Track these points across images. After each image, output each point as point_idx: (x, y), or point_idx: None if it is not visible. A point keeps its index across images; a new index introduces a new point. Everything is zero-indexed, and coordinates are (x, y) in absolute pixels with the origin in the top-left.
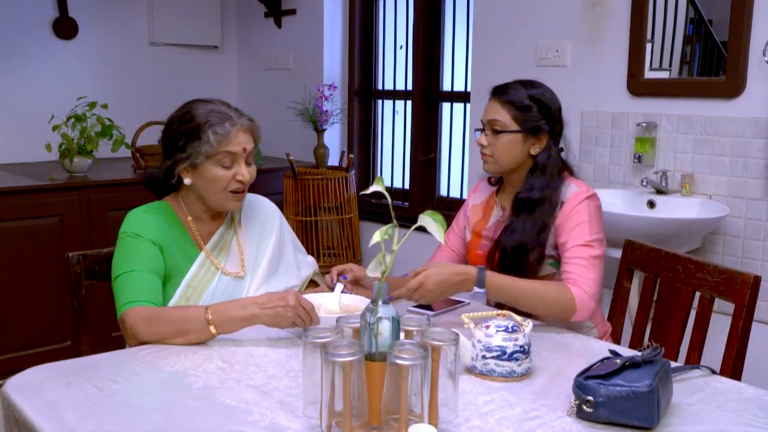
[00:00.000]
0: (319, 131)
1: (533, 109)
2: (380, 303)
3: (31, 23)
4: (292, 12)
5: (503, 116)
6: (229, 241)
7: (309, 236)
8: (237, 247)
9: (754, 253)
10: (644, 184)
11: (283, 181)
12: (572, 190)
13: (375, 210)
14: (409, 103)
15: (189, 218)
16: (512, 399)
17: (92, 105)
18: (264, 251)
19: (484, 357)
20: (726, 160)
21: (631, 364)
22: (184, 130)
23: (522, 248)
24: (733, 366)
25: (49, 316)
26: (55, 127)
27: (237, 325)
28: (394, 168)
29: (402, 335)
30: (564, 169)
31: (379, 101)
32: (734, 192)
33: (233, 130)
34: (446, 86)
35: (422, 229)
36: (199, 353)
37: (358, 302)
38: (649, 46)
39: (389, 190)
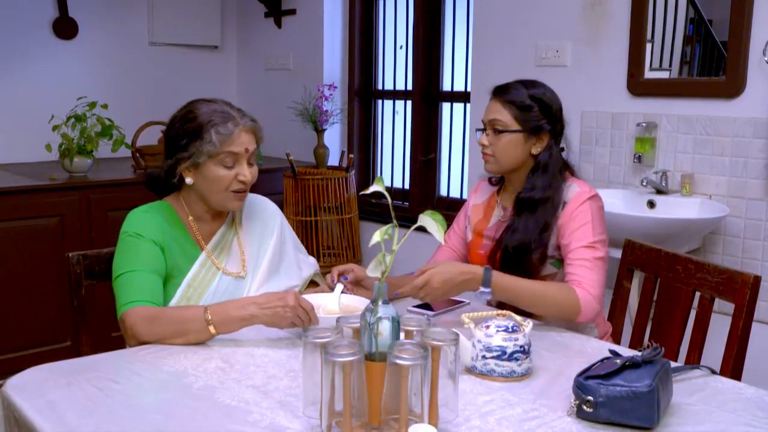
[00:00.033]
0: (319, 131)
1: (534, 109)
2: (380, 303)
3: (31, 23)
4: (292, 12)
5: (504, 116)
6: (230, 241)
7: (309, 236)
8: (238, 247)
9: (754, 253)
10: (644, 184)
11: (283, 181)
12: (574, 191)
13: (375, 210)
14: (409, 103)
15: (190, 218)
16: (512, 399)
17: (92, 105)
18: (265, 251)
19: (484, 357)
20: (726, 160)
21: (631, 364)
22: (187, 130)
23: (524, 248)
24: (733, 366)
25: (49, 316)
26: (55, 127)
27: (236, 325)
28: (394, 168)
29: (402, 335)
30: (565, 169)
31: (379, 101)
32: (734, 192)
33: (236, 131)
34: (446, 86)
35: (422, 229)
36: (199, 353)
37: (357, 303)
38: (649, 46)
39: (389, 190)
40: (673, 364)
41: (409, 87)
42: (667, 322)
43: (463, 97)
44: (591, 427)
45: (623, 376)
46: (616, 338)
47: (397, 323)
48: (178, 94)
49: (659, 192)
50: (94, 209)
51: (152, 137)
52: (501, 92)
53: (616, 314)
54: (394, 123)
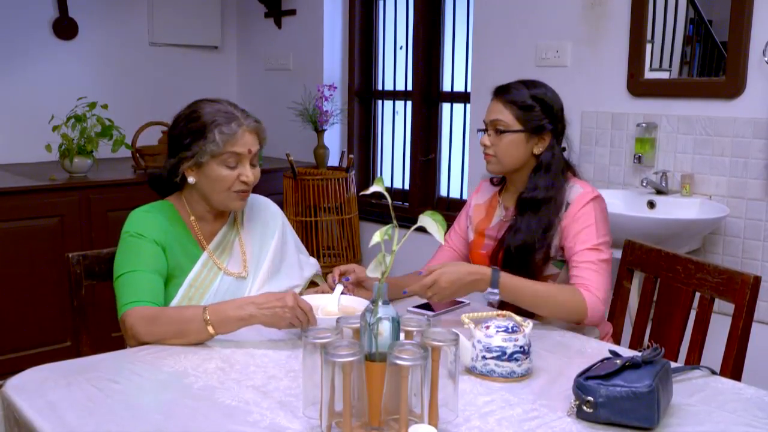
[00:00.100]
0: (319, 131)
1: (536, 109)
2: (380, 303)
3: (31, 23)
4: (292, 12)
5: (506, 116)
6: (231, 241)
7: (309, 236)
8: (239, 247)
9: (754, 253)
10: (644, 184)
11: (283, 182)
12: (577, 191)
13: (375, 210)
14: (409, 103)
15: (192, 218)
16: (512, 399)
17: (92, 105)
18: (266, 252)
19: (484, 357)
20: (726, 160)
21: (631, 365)
22: (191, 129)
23: (526, 248)
24: (733, 366)
25: (49, 316)
26: (55, 128)
27: (234, 324)
28: (394, 168)
29: (402, 335)
30: (567, 169)
31: (379, 101)
32: (734, 192)
33: (239, 131)
34: (446, 86)
35: (422, 230)
36: (199, 353)
37: (356, 304)
38: (649, 46)
39: (389, 190)
40: (673, 365)
41: (409, 87)
42: (667, 322)
43: (463, 97)
44: (591, 428)
45: (623, 376)
46: (616, 339)
47: (397, 324)
48: (178, 95)
49: (659, 192)
50: (94, 209)
51: (152, 137)
52: (502, 92)
53: (616, 314)
54: (394, 123)
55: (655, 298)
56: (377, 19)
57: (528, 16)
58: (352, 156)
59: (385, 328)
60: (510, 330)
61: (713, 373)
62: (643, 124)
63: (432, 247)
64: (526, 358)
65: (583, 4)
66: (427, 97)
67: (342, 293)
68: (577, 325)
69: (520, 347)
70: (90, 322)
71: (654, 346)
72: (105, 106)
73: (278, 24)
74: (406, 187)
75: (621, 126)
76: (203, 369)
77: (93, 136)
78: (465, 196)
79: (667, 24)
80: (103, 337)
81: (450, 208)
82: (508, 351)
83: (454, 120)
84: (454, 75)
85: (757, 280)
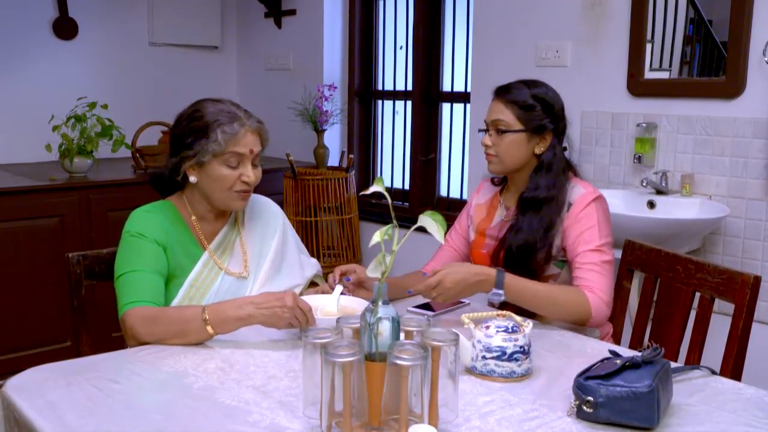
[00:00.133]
0: (319, 131)
1: (537, 108)
2: (380, 303)
3: (31, 23)
4: (292, 12)
5: (507, 116)
6: (232, 241)
7: (309, 236)
8: (240, 247)
9: (754, 253)
10: (644, 184)
11: (283, 182)
12: (579, 192)
13: (375, 210)
14: (409, 103)
15: (193, 218)
16: (512, 399)
17: (92, 105)
18: (267, 252)
19: (484, 357)
20: (726, 160)
21: (631, 365)
22: (193, 128)
23: (528, 247)
24: (733, 366)
25: (49, 316)
26: (55, 128)
27: (234, 324)
28: (394, 168)
29: (402, 335)
30: (569, 169)
31: (379, 101)
32: (734, 192)
33: (241, 131)
34: (446, 86)
35: (422, 230)
36: (199, 353)
37: (356, 305)
38: (649, 46)
39: (389, 190)
40: (673, 365)
41: (409, 87)
42: (667, 322)
43: (463, 97)
44: (591, 428)
45: (623, 376)
46: (617, 338)
47: (397, 323)
48: (178, 95)
49: (659, 192)
50: (94, 209)
51: (152, 137)
52: (503, 92)
53: (616, 314)
54: (394, 123)
55: (655, 298)
56: (377, 19)
57: (528, 16)
58: (352, 156)
59: (385, 328)
60: (510, 330)
61: (713, 373)
62: (643, 124)
63: (432, 247)
64: (526, 358)
65: (583, 4)
66: (427, 97)
67: (341, 293)
68: (581, 326)
69: (520, 347)
70: (90, 322)
71: (654, 346)
72: (105, 106)
73: (278, 24)
74: (406, 187)
75: (621, 126)
76: (203, 369)
77: (93, 136)
78: (465, 196)
79: (667, 24)
80: (103, 337)
81: (450, 208)
82: (508, 351)
83: (454, 120)
84: (454, 75)
85: (757, 280)
